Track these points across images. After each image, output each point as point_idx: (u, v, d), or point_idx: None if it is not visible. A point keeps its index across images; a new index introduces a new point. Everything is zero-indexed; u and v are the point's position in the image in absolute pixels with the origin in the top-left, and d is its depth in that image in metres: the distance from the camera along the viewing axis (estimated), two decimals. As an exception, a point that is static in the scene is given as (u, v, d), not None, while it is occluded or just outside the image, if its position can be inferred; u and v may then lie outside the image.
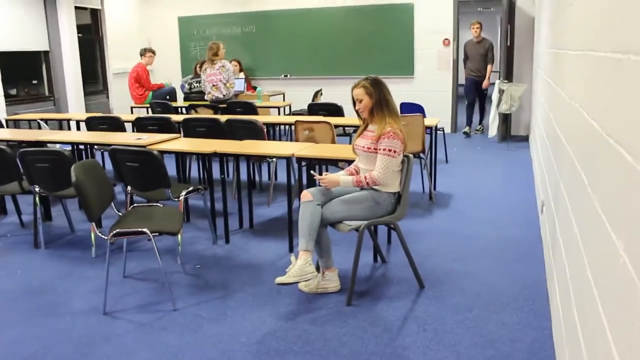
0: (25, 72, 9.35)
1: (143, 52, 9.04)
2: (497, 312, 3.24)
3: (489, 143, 8.74)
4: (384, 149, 3.38)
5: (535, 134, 6.56)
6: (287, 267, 3.35)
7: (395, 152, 3.40)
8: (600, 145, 1.72)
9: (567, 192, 2.68)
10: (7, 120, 7.48)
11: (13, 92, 8.89)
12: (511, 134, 9.14)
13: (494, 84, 8.81)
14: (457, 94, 9.81)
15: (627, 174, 1.32)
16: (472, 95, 9.43)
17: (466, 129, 9.55)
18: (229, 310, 3.35)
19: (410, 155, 3.56)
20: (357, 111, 3.59)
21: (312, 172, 3.86)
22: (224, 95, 7.80)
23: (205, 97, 7.95)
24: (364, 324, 3.14)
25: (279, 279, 3.28)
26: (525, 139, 8.96)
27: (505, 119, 8.79)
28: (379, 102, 3.47)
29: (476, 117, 9.81)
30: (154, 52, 9.12)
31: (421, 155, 5.53)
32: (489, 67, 9.18)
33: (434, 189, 5.89)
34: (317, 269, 3.59)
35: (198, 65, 8.91)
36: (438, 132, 6.22)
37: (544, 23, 5.69)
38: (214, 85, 7.75)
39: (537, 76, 6.77)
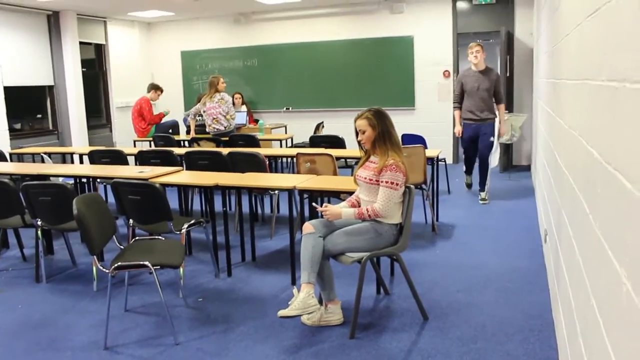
0: (29, 107, 9.46)
1: (150, 88, 9.14)
2: (503, 343, 3.20)
3: (491, 173, 8.74)
4: (386, 182, 3.39)
5: (537, 163, 6.57)
6: (290, 300, 3.32)
7: (397, 184, 3.40)
8: (600, 172, 1.72)
9: (569, 220, 2.68)
10: (10, 154, 7.53)
11: (18, 126, 8.98)
12: (513, 163, 9.16)
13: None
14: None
15: (627, 201, 1.32)
16: (472, 149, 6.98)
17: (467, 179, 7.49)
18: (231, 344, 3.32)
19: (412, 186, 3.57)
20: (359, 142, 3.60)
21: (313, 204, 3.87)
22: (225, 128, 7.87)
23: (207, 130, 8.01)
24: (368, 357, 3.10)
25: (282, 312, 3.25)
26: (527, 168, 8.97)
27: (506, 149, 8.81)
28: (382, 134, 3.49)
29: (473, 175, 7.42)
30: (161, 90, 9.22)
31: (423, 186, 5.53)
32: (500, 107, 6.85)
33: (437, 219, 5.87)
34: (320, 301, 3.56)
35: (200, 99, 9.02)
36: (440, 163, 6.24)
37: (542, 53, 5.75)
38: (214, 119, 7.84)
39: (537, 106, 6.81)
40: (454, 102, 6.92)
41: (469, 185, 7.51)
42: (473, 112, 6.69)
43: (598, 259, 1.73)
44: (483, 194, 6.86)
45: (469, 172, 7.41)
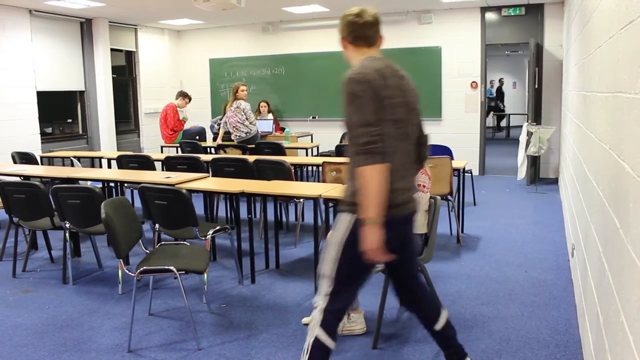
0: (61, 111, 9.65)
1: (178, 95, 9.26)
2: (527, 359, 3.15)
3: (518, 185, 8.65)
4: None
5: (565, 176, 6.48)
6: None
7: (424, 187, 3.38)
8: (633, 187, 1.69)
9: (598, 235, 2.63)
10: (41, 157, 7.68)
11: (49, 130, 9.16)
12: (540, 176, 9.04)
13: None
14: (484, 136, 9.77)
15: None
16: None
17: None
18: (253, 351, 3.32)
19: (438, 197, 3.54)
20: None
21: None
22: (246, 134, 7.95)
23: (232, 137, 8.12)
24: (390, 368, 3.08)
25: (305, 320, 3.25)
26: (555, 181, 8.85)
27: (534, 161, 8.71)
28: None
29: None
30: (190, 98, 9.33)
31: (449, 197, 5.49)
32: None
33: (462, 231, 5.82)
34: (343, 310, 3.54)
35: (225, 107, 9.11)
36: (466, 174, 6.19)
37: (572, 66, 5.68)
38: (234, 127, 7.96)
39: (566, 118, 6.72)
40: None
41: None
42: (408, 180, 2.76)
43: (629, 276, 1.70)
44: None
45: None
